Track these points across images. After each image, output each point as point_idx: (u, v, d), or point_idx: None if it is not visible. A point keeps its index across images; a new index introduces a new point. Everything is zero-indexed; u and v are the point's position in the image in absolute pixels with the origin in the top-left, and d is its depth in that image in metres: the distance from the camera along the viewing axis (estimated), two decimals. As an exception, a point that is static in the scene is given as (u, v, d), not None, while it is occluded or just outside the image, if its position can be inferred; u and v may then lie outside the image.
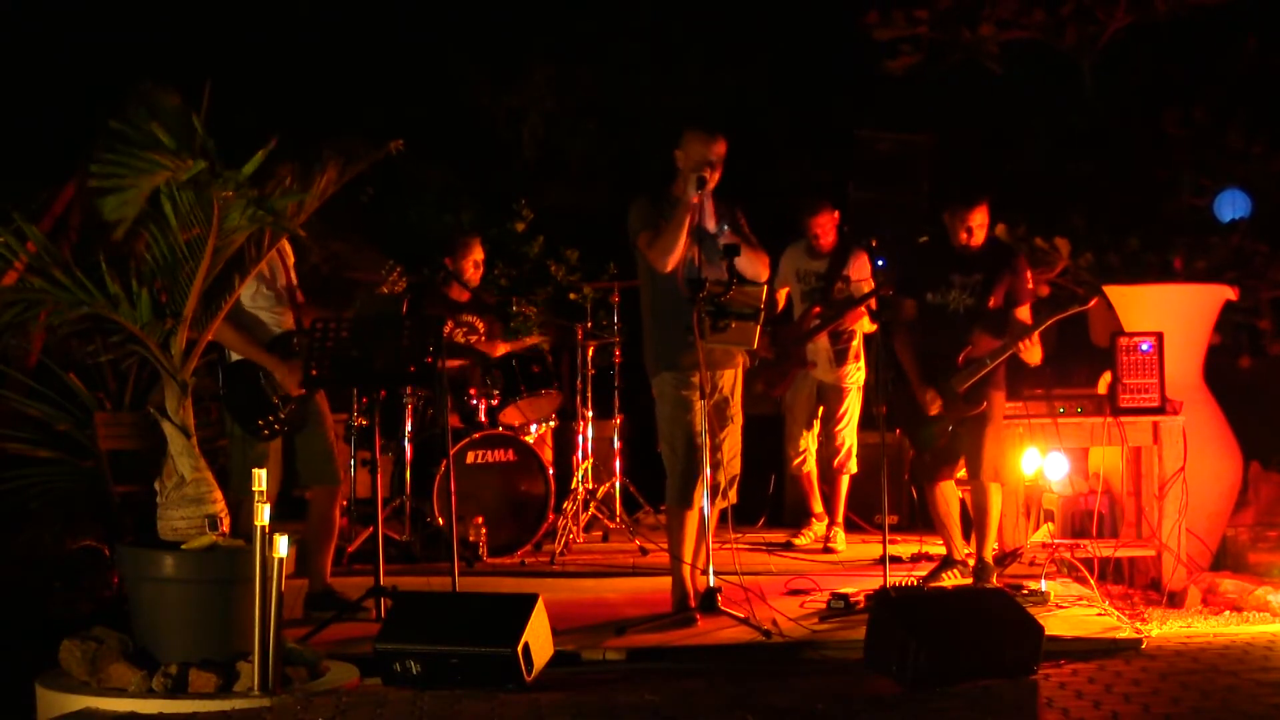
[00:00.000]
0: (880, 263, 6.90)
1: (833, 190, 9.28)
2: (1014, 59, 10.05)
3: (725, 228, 5.84)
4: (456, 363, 7.77)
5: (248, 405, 6.03)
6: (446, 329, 7.64)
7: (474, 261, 7.92)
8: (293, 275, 6.30)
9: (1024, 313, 6.59)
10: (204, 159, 4.83)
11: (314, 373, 5.77)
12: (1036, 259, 8.30)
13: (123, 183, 4.80)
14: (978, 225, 6.59)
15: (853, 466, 8.00)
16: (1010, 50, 9.98)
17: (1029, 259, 8.14)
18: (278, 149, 5.00)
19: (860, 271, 7.79)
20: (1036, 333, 6.45)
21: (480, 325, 7.99)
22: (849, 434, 7.98)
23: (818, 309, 7.80)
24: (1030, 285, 6.76)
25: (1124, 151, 9.54)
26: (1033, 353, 6.47)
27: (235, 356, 6.08)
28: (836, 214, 7.94)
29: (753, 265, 5.92)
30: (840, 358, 7.90)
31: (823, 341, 7.85)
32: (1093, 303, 6.70)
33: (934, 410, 6.56)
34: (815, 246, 7.89)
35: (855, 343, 7.92)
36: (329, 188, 5.29)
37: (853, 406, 7.97)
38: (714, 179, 5.91)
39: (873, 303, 7.53)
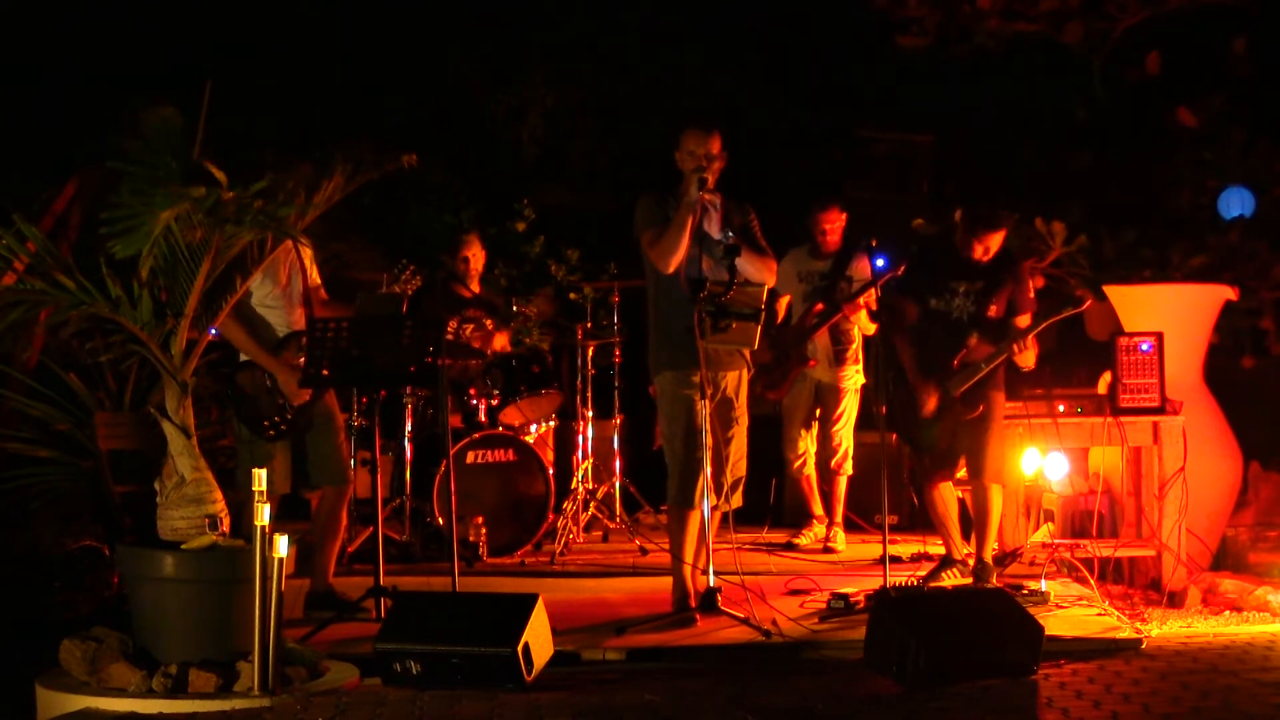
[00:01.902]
0: (881, 262, 6.89)
1: (833, 190, 9.29)
2: (1018, 54, 10.04)
3: (729, 234, 5.83)
4: (475, 363, 7.82)
5: (255, 406, 6.03)
6: (452, 325, 7.67)
7: (463, 256, 7.97)
8: (314, 275, 6.30)
9: (1024, 321, 6.59)
10: (213, 179, 4.84)
11: (318, 373, 5.77)
12: (1030, 247, 8.29)
13: (134, 222, 4.81)
14: (996, 245, 6.58)
15: (849, 468, 8.00)
16: (1015, 45, 9.96)
17: (1022, 247, 8.16)
18: (283, 150, 5.01)
19: (863, 273, 7.80)
20: (1031, 336, 6.44)
21: (489, 323, 8.03)
22: (845, 435, 7.99)
23: (819, 306, 7.80)
24: (1032, 295, 6.76)
25: (1126, 148, 9.55)
26: (1027, 357, 6.46)
27: (244, 357, 6.08)
28: (845, 215, 7.95)
29: (759, 272, 5.91)
30: (839, 358, 7.91)
31: (823, 340, 7.86)
32: (1087, 304, 6.70)
33: (929, 408, 6.56)
34: (820, 244, 7.90)
35: (855, 345, 7.93)
36: (335, 194, 5.29)
37: (850, 408, 7.98)
38: (714, 174, 5.91)
39: (872, 300, 7.58)
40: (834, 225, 7.89)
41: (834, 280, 7.80)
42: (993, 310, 6.57)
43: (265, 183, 4.93)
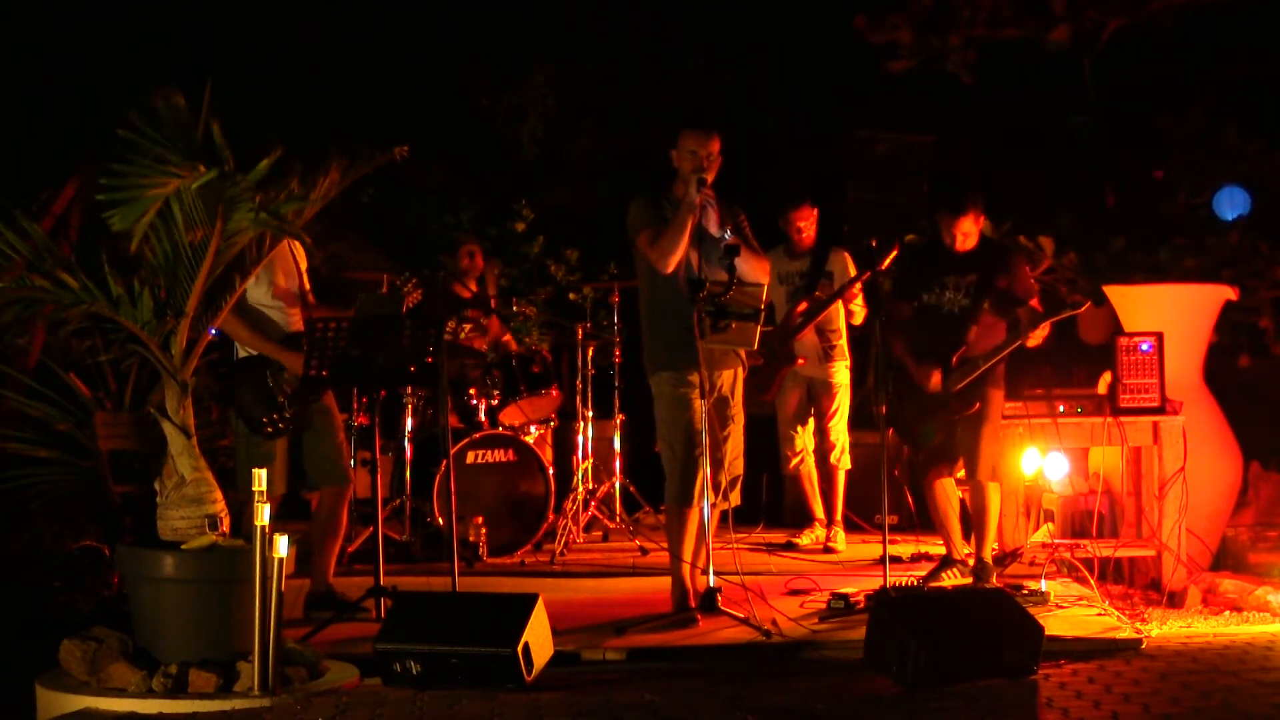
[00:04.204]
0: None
1: (832, 190, 9.29)
2: (1016, 58, 10.04)
3: (728, 231, 5.83)
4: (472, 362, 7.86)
5: (253, 403, 6.03)
6: (450, 326, 7.71)
7: (468, 250, 8.04)
8: (305, 277, 6.31)
9: (1030, 308, 6.58)
10: (214, 165, 4.84)
11: (316, 373, 5.76)
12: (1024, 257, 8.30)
13: (131, 194, 4.80)
14: (964, 232, 6.59)
15: (846, 462, 8.02)
16: (1012, 49, 9.97)
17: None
18: (282, 148, 5.01)
19: (840, 268, 7.87)
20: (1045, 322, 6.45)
21: (485, 323, 8.04)
22: (841, 430, 8.00)
23: (803, 305, 7.84)
24: (1031, 280, 6.76)
25: (1121, 150, 9.55)
26: (1036, 336, 6.47)
27: (242, 353, 6.08)
28: (816, 211, 8.00)
29: (754, 271, 5.93)
30: (827, 355, 7.93)
31: (810, 337, 7.89)
32: (1084, 308, 6.69)
33: (934, 386, 6.53)
34: (795, 243, 7.95)
35: (841, 341, 7.96)
36: (332, 190, 5.29)
37: (843, 403, 7.99)
38: (712, 175, 5.92)
39: (855, 293, 7.64)
40: (808, 223, 7.95)
41: (814, 278, 7.86)
42: (989, 303, 6.57)
43: (266, 165, 4.92)
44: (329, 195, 5.32)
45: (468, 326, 8.02)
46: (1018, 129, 10.48)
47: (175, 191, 4.94)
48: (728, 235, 5.80)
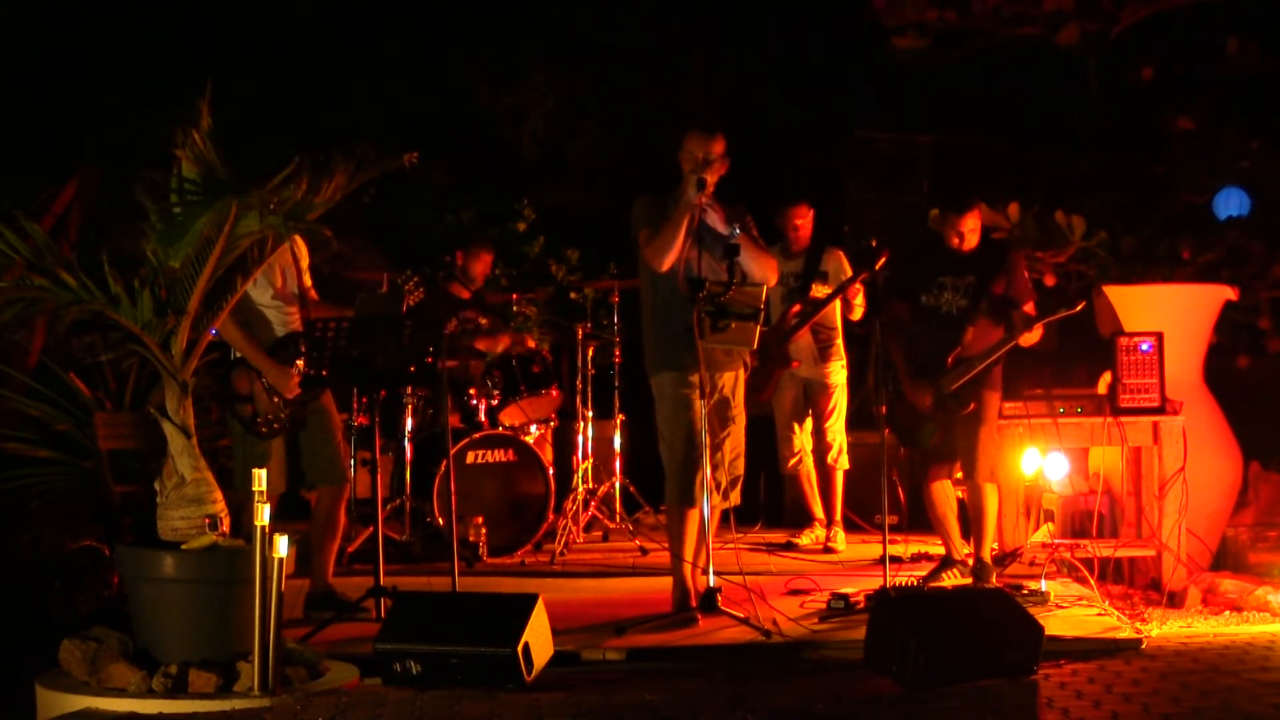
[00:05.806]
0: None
1: (832, 190, 9.27)
2: (1018, 56, 10.04)
3: (737, 230, 5.83)
4: (475, 362, 7.85)
5: (248, 404, 6.03)
6: (450, 327, 7.70)
7: (481, 258, 8.06)
8: (306, 276, 6.31)
9: (1026, 311, 6.58)
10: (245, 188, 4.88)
11: (317, 373, 5.77)
12: (1048, 240, 8.28)
13: (179, 228, 4.86)
14: (969, 230, 6.60)
15: (844, 462, 8.01)
16: (1014, 47, 9.96)
17: (1041, 240, 8.14)
18: (285, 150, 5.02)
19: (835, 268, 7.87)
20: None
21: (484, 322, 8.05)
22: (838, 430, 8.00)
23: (797, 307, 7.83)
24: (1028, 282, 6.76)
25: (1124, 149, 9.54)
26: (1030, 336, 6.47)
27: (236, 354, 6.09)
28: (813, 211, 8.01)
29: (762, 269, 5.93)
30: (823, 355, 7.93)
31: (805, 339, 7.88)
32: (1079, 306, 6.69)
33: (925, 405, 6.55)
34: (791, 240, 7.95)
35: (838, 340, 7.96)
36: (337, 193, 5.29)
37: (839, 402, 7.99)
38: (715, 178, 5.91)
39: (851, 293, 7.64)
40: (805, 220, 7.95)
41: (809, 279, 7.85)
42: (985, 305, 6.57)
43: (283, 176, 4.94)
44: (334, 199, 5.32)
45: (468, 326, 8.03)
46: (1019, 127, 10.46)
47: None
48: (736, 233, 5.80)
